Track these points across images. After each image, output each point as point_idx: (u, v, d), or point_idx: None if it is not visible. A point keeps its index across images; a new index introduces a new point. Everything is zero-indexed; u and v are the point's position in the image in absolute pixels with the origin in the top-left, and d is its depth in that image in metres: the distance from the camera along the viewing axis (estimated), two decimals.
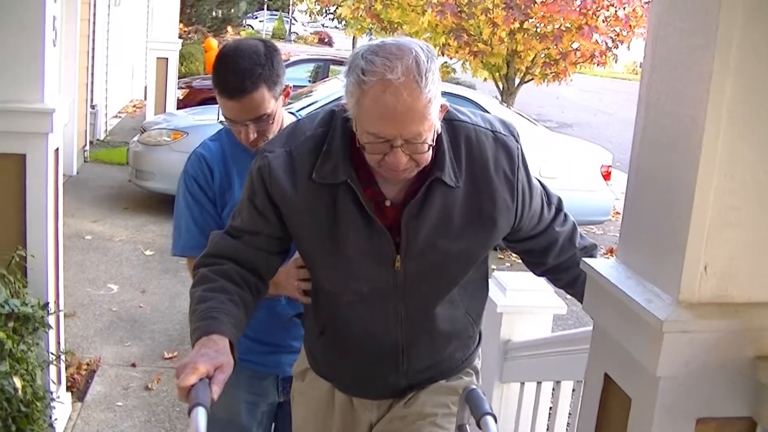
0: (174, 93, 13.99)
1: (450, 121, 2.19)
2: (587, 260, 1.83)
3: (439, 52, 14.68)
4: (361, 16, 17.48)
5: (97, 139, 13.42)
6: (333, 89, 9.71)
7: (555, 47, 14.05)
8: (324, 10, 39.97)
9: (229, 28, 30.40)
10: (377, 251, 2.20)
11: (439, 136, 2.10)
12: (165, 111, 13.02)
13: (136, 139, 10.28)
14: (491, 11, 13.68)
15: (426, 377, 2.45)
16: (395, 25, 16.14)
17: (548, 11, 13.46)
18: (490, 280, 2.93)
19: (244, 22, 42.44)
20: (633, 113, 1.78)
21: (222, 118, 2.75)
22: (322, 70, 16.36)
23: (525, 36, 14.08)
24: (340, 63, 16.19)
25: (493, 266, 7.94)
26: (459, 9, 14.12)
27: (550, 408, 3.54)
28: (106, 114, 14.41)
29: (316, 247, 2.26)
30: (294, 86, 3.08)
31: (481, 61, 14.71)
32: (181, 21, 17.86)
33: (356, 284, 2.27)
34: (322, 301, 2.42)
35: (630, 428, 1.67)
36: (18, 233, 4.02)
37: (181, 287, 7.11)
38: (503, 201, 2.23)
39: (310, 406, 2.60)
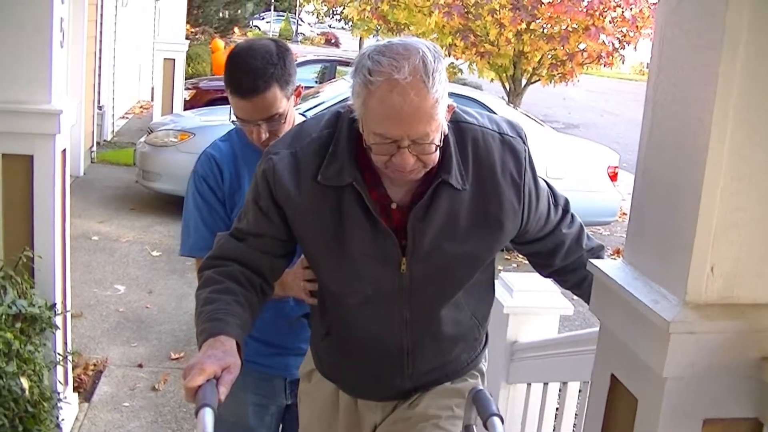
0: (181, 94, 13.99)
1: (457, 123, 2.18)
2: (594, 261, 1.83)
3: (446, 53, 14.67)
4: (367, 17, 17.48)
5: (104, 140, 13.44)
6: (340, 90, 9.71)
7: (562, 48, 14.03)
8: (331, 11, 40.03)
9: (236, 29, 30.42)
10: (383, 254, 2.20)
11: (445, 138, 2.08)
12: (172, 112, 13.02)
13: (143, 140, 10.29)
14: (498, 12, 13.69)
15: (431, 379, 2.44)
16: (402, 26, 16.14)
17: (555, 12, 13.45)
18: (496, 281, 2.93)
19: (250, 23, 42.48)
20: (640, 114, 1.78)
21: (234, 118, 2.74)
22: (328, 71, 16.37)
23: (532, 37, 14.07)
24: (346, 64, 16.17)
25: (500, 267, 7.93)
26: (466, 10, 14.11)
27: (557, 409, 3.54)
28: (113, 115, 14.43)
29: (320, 249, 2.25)
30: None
31: (488, 62, 14.70)
32: (188, 22, 17.86)
33: (361, 286, 2.26)
34: (328, 303, 2.41)
35: (636, 429, 1.67)
36: (25, 234, 4.03)
37: (187, 288, 7.11)
38: (510, 204, 2.22)
39: (315, 407, 2.60)
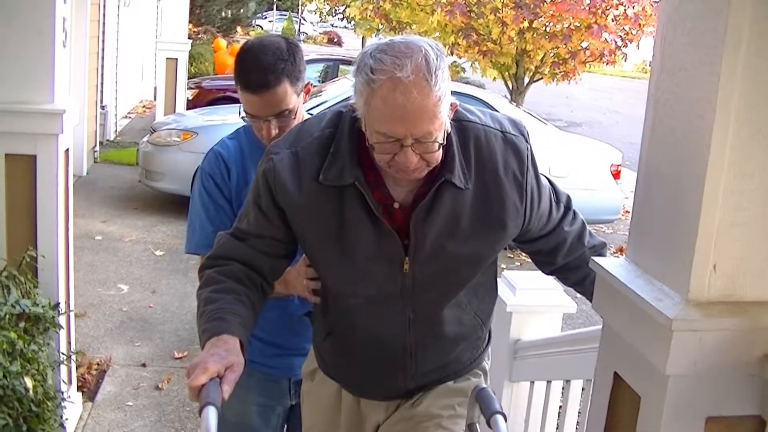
0: (183, 93, 14.00)
1: (459, 122, 2.17)
2: (596, 259, 1.83)
3: (449, 52, 14.66)
4: (370, 16, 17.47)
5: (107, 140, 13.45)
6: (342, 89, 9.71)
7: (564, 46, 14.03)
8: (333, 10, 39.95)
9: (239, 29, 30.46)
10: (385, 254, 2.19)
11: (448, 136, 2.07)
12: (175, 111, 13.02)
13: (145, 139, 10.30)
14: (500, 10, 13.68)
15: (434, 379, 2.44)
16: (404, 25, 16.13)
17: (557, 10, 13.44)
18: (499, 280, 2.93)
19: (253, 22, 42.47)
20: (643, 112, 1.78)
21: (243, 115, 2.74)
22: (331, 70, 16.35)
23: (534, 35, 14.07)
24: (349, 63, 16.15)
25: (503, 265, 7.94)
26: (468, 8, 14.11)
27: (560, 407, 3.54)
28: (115, 115, 14.43)
29: (323, 249, 2.24)
30: None
31: (491, 61, 14.70)
32: (190, 21, 17.89)
33: (364, 287, 2.26)
34: (330, 302, 2.41)
35: (639, 427, 1.67)
36: (28, 234, 4.03)
37: (191, 287, 7.11)
38: (512, 203, 2.22)
39: (318, 406, 2.59)
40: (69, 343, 4.47)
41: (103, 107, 13.02)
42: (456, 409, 2.42)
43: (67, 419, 4.16)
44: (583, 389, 3.37)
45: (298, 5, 51.81)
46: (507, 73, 15.27)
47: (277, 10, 53.10)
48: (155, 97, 15.29)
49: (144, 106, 18.14)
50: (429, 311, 2.30)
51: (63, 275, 4.24)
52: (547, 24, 14.21)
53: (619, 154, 10.36)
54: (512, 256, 8.82)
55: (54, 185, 4.03)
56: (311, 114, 2.89)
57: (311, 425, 2.63)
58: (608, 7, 13.77)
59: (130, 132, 14.75)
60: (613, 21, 13.97)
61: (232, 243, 2.30)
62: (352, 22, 24.58)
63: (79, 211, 8.15)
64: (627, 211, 10.25)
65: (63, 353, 4.26)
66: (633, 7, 13.91)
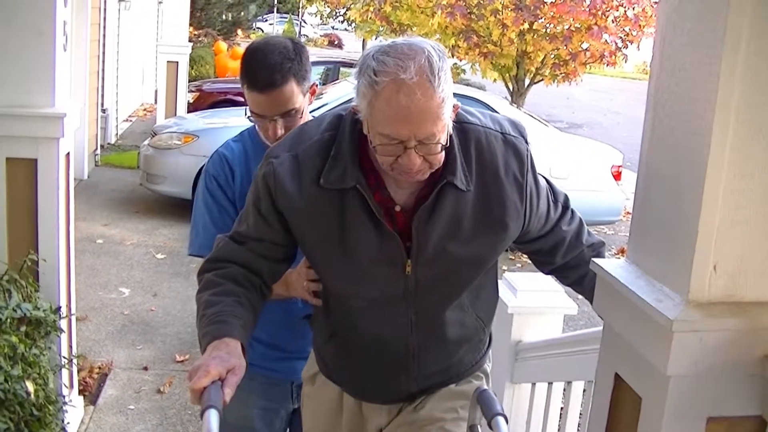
0: (184, 96, 14.00)
1: (460, 123, 2.17)
2: (597, 260, 1.83)
3: (449, 54, 14.62)
4: (370, 18, 17.48)
5: (108, 143, 13.45)
6: (344, 91, 9.71)
7: (565, 48, 14.03)
8: (334, 13, 40.03)
9: (239, 32, 30.41)
10: (387, 256, 2.19)
11: (450, 139, 2.07)
12: (175, 114, 13.03)
13: (146, 142, 10.30)
14: (501, 12, 13.68)
15: (436, 382, 2.43)
16: (405, 27, 16.13)
17: (558, 12, 13.45)
18: (500, 281, 2.93)
19: (253, 25, 42.41)
20: (643, 113, 1.78)
21: (249, 115, 2.74)
22: (332, 73, 16.35)
23: (534, 37, 14.07)
24: (350, 65, 16.16)
25: (504, 267, 7.94)
26: (468, 11, 14.11)
27: (562, 408, 3.54)
28: (116, 118, 14.44)
29: (324, 252, 2.24)
30: None
31: (491, 63, 14.70)
32: (191, 24, 17.90)
33: (366, 289, 2.26)
34: (332, 305, 2.40)
35: (641, 428, 1.67)
36: (30, 237, 4.04)
37: (192, 290, 7.03)
38: (513, 204, 2.22)
39: (319, 410, 2.58)
40: (70, 346, 4.47)
41: (104, 110, 13.03)
42: (459, 412, 2.42)
43: (68, 423, 4.16)
44: (584, 390, 3.37)
45: (299, 8, 51.82)
46: (507, 75, 15.27)
47: (277, 12, 53.11)
48: (156, 101, 15.29)
49: (145, 110, 18.15)
50: (431, 313, 2.30)
51: (64, 279, 4.24)
52: (547, 25, 14.21)
53: (619, 155, 10.36)
54: (513, 257, 8.83)
55: (55, 189, 4.03)
56: (313, 116, 2.89)
57: (312, 428, 2.63)
58: (608, 9, 13.78)
59: (131, 135, 14.76)
60: (613, 22, 13.97)
61: (231, 246, 2.29)
62: (353, 25, 24.65)
63: (80, 214, 8.16)
64: (628, 213, 10.23)
65: (64, 357, 4.26)
66: (633, 9, 13.92)
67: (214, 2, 26.74)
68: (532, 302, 3.69)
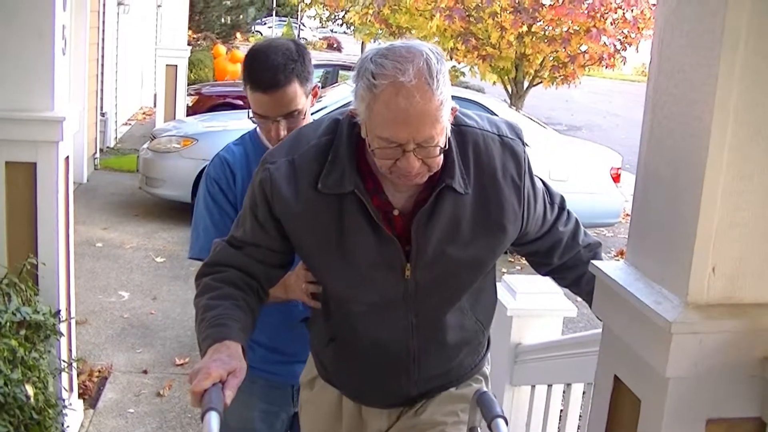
0: (183, 100, 14.00)
1: (458, 126, 2.16)
2: (596, 263, 1.83)
3: (448, 57, 14.65)
4: (369, 21, 17.49)
5: (107, 147, 13.45)
6: (343, 94, 9.70)
7: (563, 50, 14.01)
8: (333, 16, 39.99)
9: (238, 35, 30.43)
10: (386, 260, 2.18)
11: (448, 142, 2.06)
12: (174, 118, 13.02)
13: (145, 146, 10.30)
14: (499, 15, 13.67)
15: (436, 385, 2.43)
16: (404, 30, 16.12)
17: (556, 14, 13.44)
18: (499, 284, 2.93)
19: (252, 28, 42.45)
20: (642, 115, 1.78)
21: (252, 116, 2.74)
22: (331, 76, 16.35)
23: (533, 39, 14.06)
24: (349, 68, 16.15)
25: (503, 269, 7.94)
26: (467, 13, 14.10)
27: (561, 410, 3.54)
28: (115, 121, 14.44)
29: (323, 257, 2.23)
30: None
31: (490, 65, 14.69)
32: (189, 28, 17.89)
33: (366, 293, 2.25)
34: (332, 308, 2.39)
35: (640, 430, 1.67)
36: (29, 241, 4.04)
37: (192, 294, 6.99)
38: (511, 206, 2.22)
39: (318, 415, 2.58)
40: (70, 350, 4.46)
41: (103, 114, 13.03)
42: (459, 416, 2.41)
43: (68, 427, 4.16)
44: (583, 393, 3.37)
45: (298, 11, 51.81)
46: (506, 78, 15.26)
47: (276, 16, 53.12)
48: (155, 104, 15.30)
49: (144, 113, 18.14)
50: (431, 317, 2.29)
51: (64, 282, 4.24)
52: (546, 28, 14.21)
53: (619, 157, 10.36)
54: (512, 260, 8.82)
55: (54, 192, 4.03)
56: (313, 119, 2.89)
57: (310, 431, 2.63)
58: (607, 11, 13.76)
59: (130, 139, 14.76)
60: (611, 24, 13.96)
61: (228, 251, 2.29)
62: (352, 28, 24.64)
63: (80, 218, 8.16)
64: (627, 215, 10.23)
65: (64, 360, 4.26)
66: (632, 11, 13.91)
67: (213, 5, 26.74)
68: (531, 305, 3.68)
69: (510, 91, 15.41)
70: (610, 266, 1.79)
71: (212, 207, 2.79)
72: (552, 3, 13.54)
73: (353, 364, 2.43)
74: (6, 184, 3.97)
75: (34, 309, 3.86)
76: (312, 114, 2.79)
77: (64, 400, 4.14)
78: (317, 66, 17.27)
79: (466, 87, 15.80)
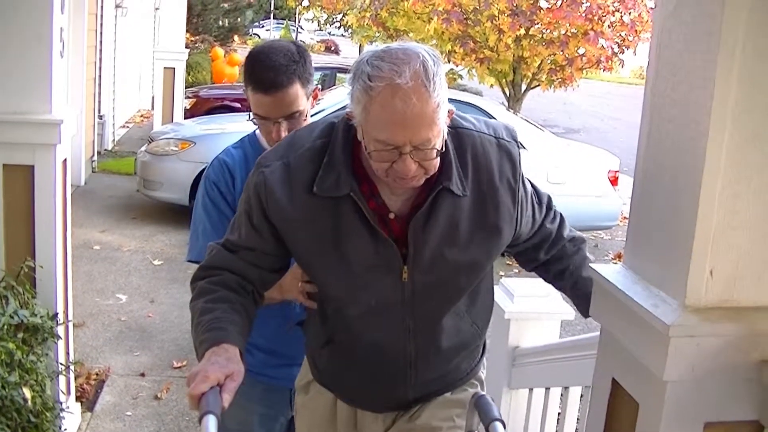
0: (181, 103, 14.00)
1: (455, 129, 2.16)
2: (594, 266, 1.83)
3: (446, 59, 14.66)
4: (367, 24, 17.51)
5: (105, 150, 13.45)
6: (340, 97, 9.69)
7: (561, 53, 14.04)
8: (330, 19, 40.03)
9: (236, 38, 30.40)
10: (384, 263, 2.17)
11: (445, 144, 2.06)
12: (172, 121, 13.03)
13: (143, 149, 10.29)
14: (497, 18, 13.69)
15: (432, 389, 2.43)
16: (401, 33, 16.14)
17: (554, 17, 13.46)
18: (497, 287, 2.92)
19: (250, 31, 42.44)
20: (640, 118, 1.78)
21: (252, 117, 2.73)
22: (329, 79, 16.34)
23: (531, 42, 14.08)
24: (346, 71, 16.02)
25: (501, 272, 7.93)
26: (465, 16, 14.12)
27: (559, 414, 3.53)
28: (113, 124, 14.43)
29: (319, 260, 2.22)
30: None
31: (488, 68, 14.71)
32: (187, 31, 17.87)
33: (364, 296, 2.24)
34: (329, 311, 2.38)
35: None
36: (27, 244, 4.03)
37: (189, 297, 7.07)
38: (506, 209, 2.22)
39: (313, 420, 2.57)
40: (67, 353, 4.46)
41: (100, 117, 13.02)
42: (455, 421, 2.41)
43: (65, 430, 4.15)
44: (581, 396, 3.37)
45: (296, 14, 51.86)
46: (504, 80, 15.28)
47: (274, 18, 53.14)
48: (153, 107, 15.30)
49: (142, 116, 18.15)
50: (428, 319, 2.29)
51: (61, 285, 4.24)
52: (543, 31, 14.22)
53: (616, 160, 10.35)
54: (510, 263, 8.80)
55: (52, 195, 4.03)
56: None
57: None
58: (604, 14, 13.79)
59: (128, 141, 14.75)
60: (609, 27, 13.99)
61: (223, 254, 2.28)
62: (350, 31, 24.64)
63: (78, 220, 8.14)
64: (625, 218, 10.23)
65: (61, 363, 4.26)
66: (629, 14, 13.94)
67: (211, 8, 26.73)
68: (529, 308, 3.69)
69: (508, 93, 15.44)
70: (607, 269, 1.79)
71: (211, 210, 2.78)
72: (550, 6, 13.56)
73: (349, 367, 2.42)
74: (3, 187, 3.97)
75: (32, 312, 3.86)
76: (311, 116, 2.79)
77: (61, 403, 4.13)
78: (315, 69, 17.30)
79: (464, 90, 15.76)
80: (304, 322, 2.59)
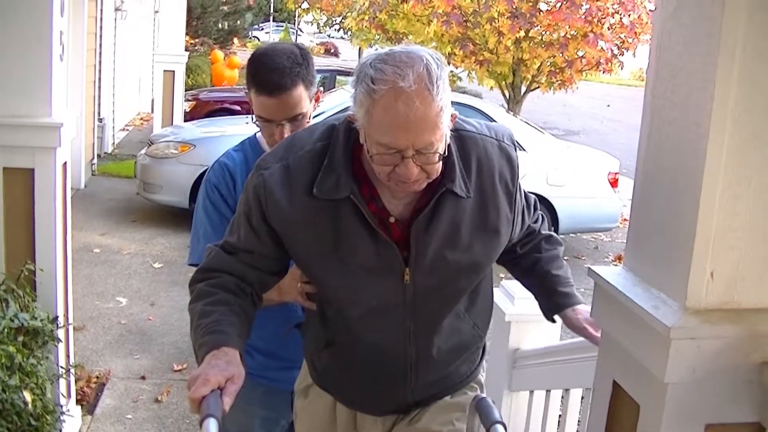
0: (181, 105, 13.99)
1: (458, 132, 2.16)
2: (595, 268, 1.83)
3: (445, 62, 14.64)
4: (366, 26, 17.48)
5: (105, 153, 13.45)
6: (340, 100, 9.69)
7: (561, 55, 14.02)
8: (330, 21, 40.01)
9: (235, 40, 30.40)
10: (385, 266, 2.17)
11: (448, 147, 2.05)
12: (172, 124, 13.02)
13: (143, 152, 10.30)
14: (497, 20, 13.68)
15: (432, 392, 2.42)
16: (401, 36, 16.13)
17: (553, 19, 13.45)
18: (497, 289, 2.92)
19: (250, 33, 42.48)
20: (640, 120, 1.79)
21: (255, 119, 2.73)
22: (328, 81, 16.34)
23: (530, 44, 14.07)
24: (346, 74, 16.16)
25: (501, 275, 7.92)
26: (464, 18, 14.11)
27: (560, 416, 3.53)
28: (113, 127, 14.44)
29: (319, 263, 2.21)
30: None
31: (487, 70, 14.69)
32: (187, 33, 17.87)
33: (365, 298, 2.24)
34: (329, 313, 2.37)
35: None
36: (27, 247, 4.03)
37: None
38: (504, 211, 2.23)
39: (312, 423, 2.57)
40: (68, 356, 4.46)
41: (100, 120, 13.02)
42: (455, 424, 2.40)
43: None
44: (582, 398, 3.37)
45: (295, 16, 51.86)
46: (504, 83, 15.27)
47: (273, 21, 53.17)
48: (153, 110, 15.31)
49: (141, 119, 18.15)
50: (430, 322, 2.28)
51: (61, 288, 4.24)
52: (543, 33, 14.21)
53: (616, 162, 10.36)
54: None
55: (52, 198, 4.03)
56: None
57: None
58: (604, 16, 13.78)
59: (128, 144, 14.75)
60: (609, 29, 13.97)
61: (221, 256, 2.27)
62: (349, 33, 24.63)
63: (78, 224, 8.15)
64: (625, 219, 10.23)
65: (62, 366, 4.26)
66: (629, 16, 13.93)
67: (211, 11, 26.72)
68: (529, 310, 3.66)
69: (507, 96, 15.43)
70: (608, 271, 1.79)
71: (212, 213, 2.78)
72: (549, 8, 13.56)
73: (349, 369, 2.42)
74: (4, 190, 3.97)
75: (32, 315, 3.86)
76: (313, 118, 2.79)
77: (62, 407, 4.13)
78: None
79: (464, 92, 15.79)
80: (302, 324, 2.58)
